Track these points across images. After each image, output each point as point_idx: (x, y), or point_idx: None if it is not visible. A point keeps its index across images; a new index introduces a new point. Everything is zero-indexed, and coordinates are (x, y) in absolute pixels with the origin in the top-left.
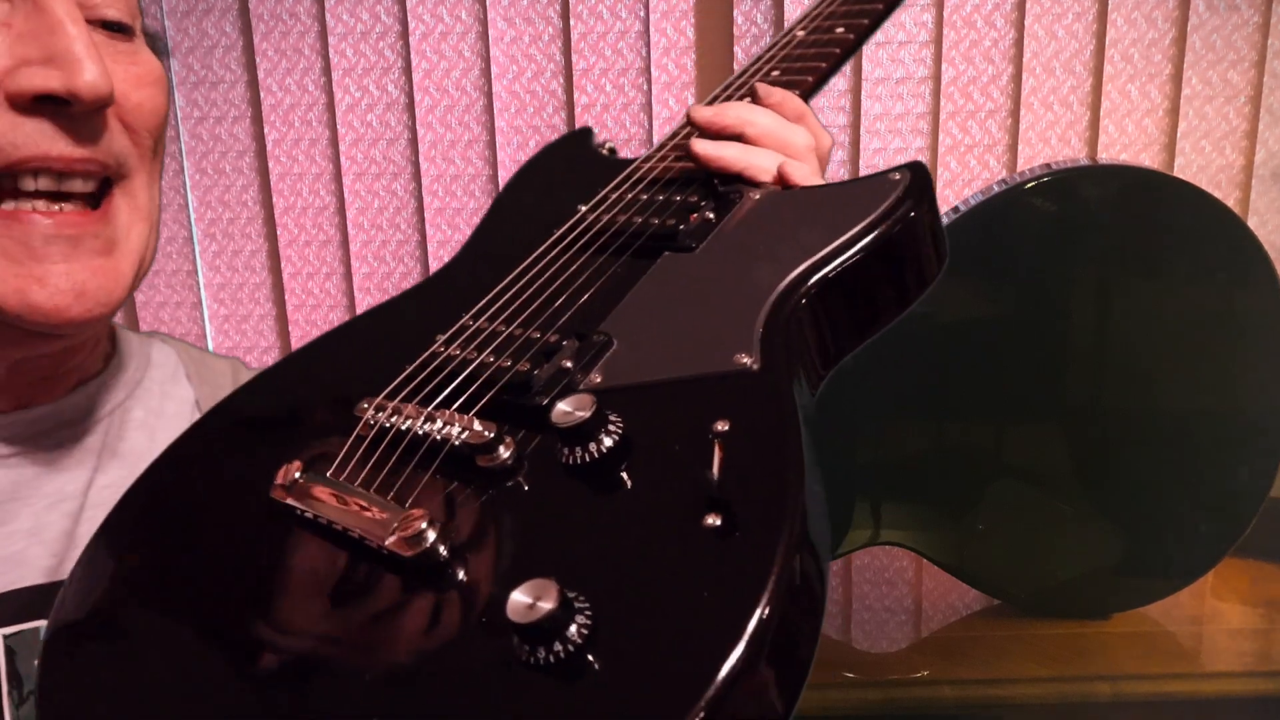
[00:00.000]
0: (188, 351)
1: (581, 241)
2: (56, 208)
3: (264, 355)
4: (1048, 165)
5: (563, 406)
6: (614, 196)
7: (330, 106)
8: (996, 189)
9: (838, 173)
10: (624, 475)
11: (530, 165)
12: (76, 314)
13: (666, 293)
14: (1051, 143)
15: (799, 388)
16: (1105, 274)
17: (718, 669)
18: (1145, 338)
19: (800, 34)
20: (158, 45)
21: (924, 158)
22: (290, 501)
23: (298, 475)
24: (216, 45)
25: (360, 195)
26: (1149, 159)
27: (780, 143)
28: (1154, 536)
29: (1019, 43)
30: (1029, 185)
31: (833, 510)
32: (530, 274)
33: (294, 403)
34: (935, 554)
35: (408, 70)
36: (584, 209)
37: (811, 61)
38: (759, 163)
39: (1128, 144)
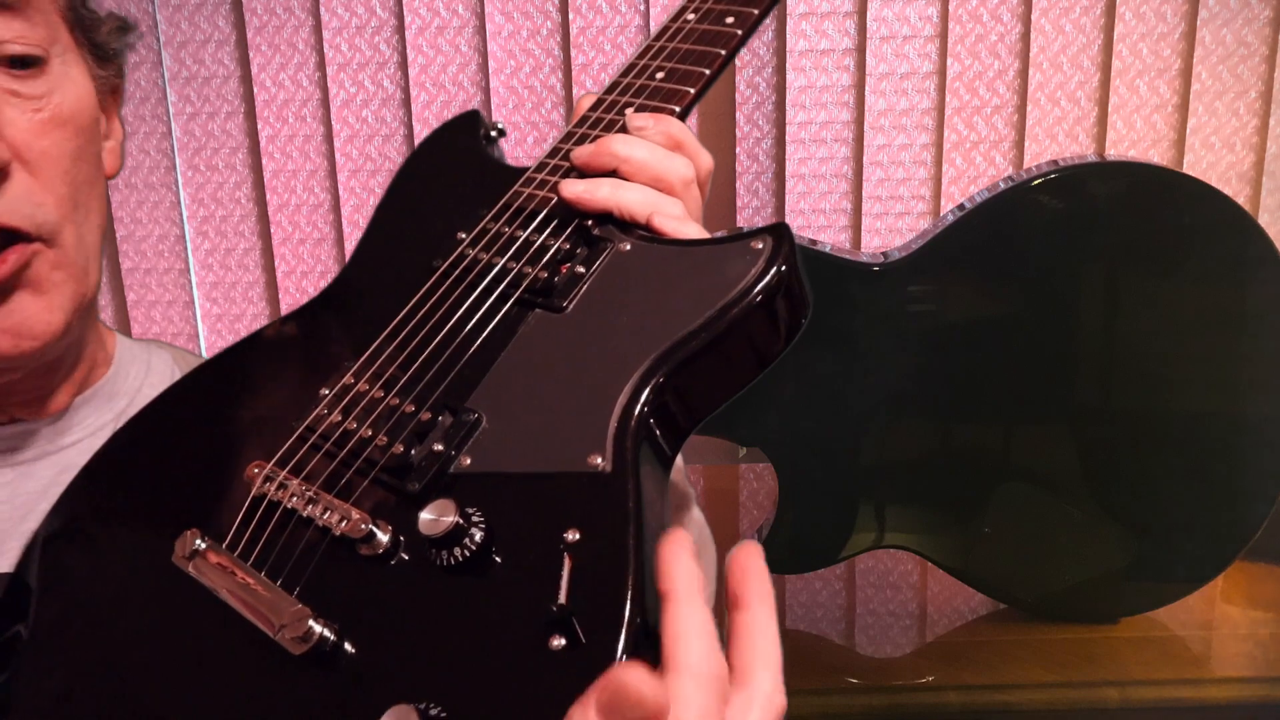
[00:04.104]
0: (185, 358)
1: (461, 288)
2: None
3: None
4: (1055, 162)
5: (426, 515)
6: (493, 230)
7: (325, 102)
8: (1003, 186)
9: (842, 169)
10: (484, 583)
11: (414, 162)
12: (7, 349)
13: (535, 364)
14: (1058, 139)
15: (650, 476)
16: (1113, 273)
17: None
18: (1154, 337)
19: (690, 19)
20: (114, 26)
21: (929, 154)
22: (191, 572)
23: (198, 544)
24: (209, 40)
25: (355, 192)
26: (1158, 156)
27: (656, 177)
28: (1163, 540)
29: (1025, 37)
30: (1036, 182)
31: (836, 513)
32: (409, 326)
33: (192, 451)
34: (940, 557)
35: (404, 65)
36: (464, 239)
37: (694, 65)
38: (630, 202)
39: (1136, 140)
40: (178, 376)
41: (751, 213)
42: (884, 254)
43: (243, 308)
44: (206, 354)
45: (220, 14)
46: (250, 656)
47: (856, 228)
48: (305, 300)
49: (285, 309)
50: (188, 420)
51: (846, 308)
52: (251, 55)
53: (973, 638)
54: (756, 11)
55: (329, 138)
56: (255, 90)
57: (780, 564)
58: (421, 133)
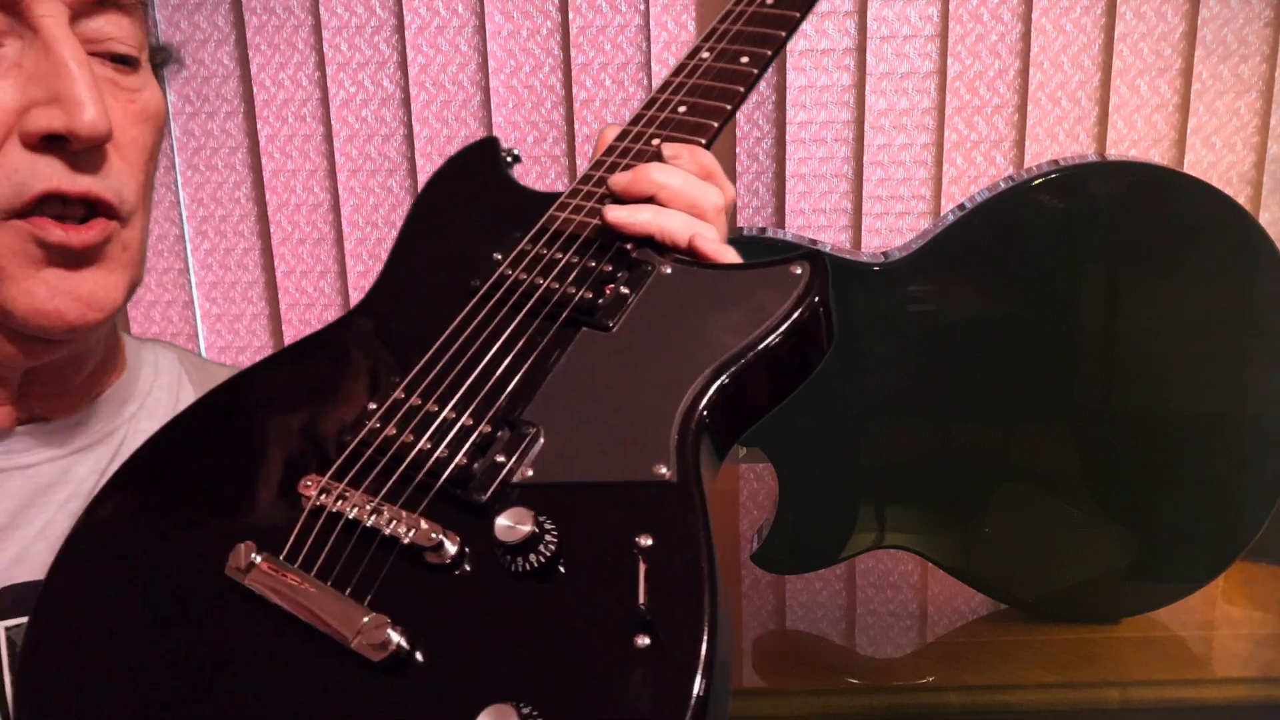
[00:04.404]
0: (188, 358)
1: (505, 307)
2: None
3: (256, 355)
4: (1055, 162)
5: (503, 522)
6: (532, 252)
7: (324, 102)
8: (1003, 186)
9: (841, 169)
10: (560, 587)
11: (438, 183)
12: (74, 319)
13: (587, 380)
14: (1059, 139)
15: (707, 484)
16: (1114, 273)
17: None
18: (1155, 337)
19: (706, 56)
20: (164, 58)
21: (929, 154)
22: (249, 584)
23: (254, 557)
24: (209, 39)
25: (355, 192)
26: (1158, 155)
27: (691, 203)
28: (1164, 540)
29: (1026, 37)
30: (1036, 182)
31: (836, 513)
32: (457, 344)
33: (233, 462)
34: (941, 558)
35: (403, 65)
36: (501, 260)
37: (715, 101)
38: (671, 227)
39: (1137, 140)
40: (184, 378)
41: (752, 212)
42: (884, 254)
43: (242, 307)
44: (206, 354)
45: (220, 13)
46: (318, 667)
47: (857, 227)
48: (304, 299)
49: (285, 309)
50: (225, 434)
51: (846, 308)
52: (251, 54)
53: (973, 638)
54: (769, 52)
55: (329, 137)
56: (255, 90)
57: (780, 564)
58: (421, 132)
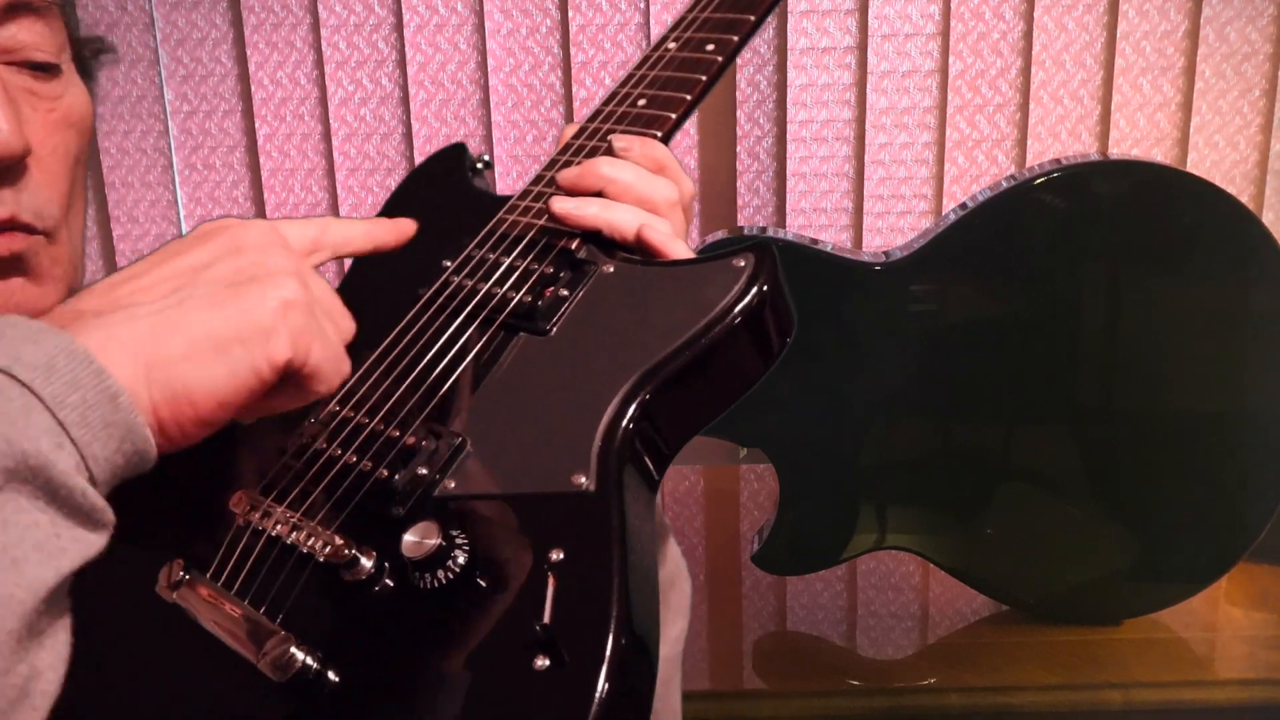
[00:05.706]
0: None
1: (444, 314)
2: None
3: None
4: (1057, 161)
5: (409, 537)
6: (477, 257)
7: (323, 100)
8: (1005, 185)
9: (843, 168)
10: (467, 604)
11: (402, 193)
12: None
13: (519, 387)
14: (1061, 138)
15: (635, 496)
16: (1116, 272)
17: None
18: (1157, 337)
19: (671, 47)
20: (96, 49)
21: (931, 153)
22: (175, 600)
23: (182, 574)
24: (206, 38)
25: (354, 191)
26: (1161, 154)
27: (641, 198)
28: (1166, 541)
29: (1028, 35)
30: (1038, 181)
31: (837, 514)
32: (393, 354)
33: (176, 485)
34: (942, 558)
35: (402, 63)
36: (449, 266)
37: (675, 92)
38: (619, 220)
39: (1139, 139)
40: None
41: (752, 211)
42: (885, 253)
43: None
44: None
45: (218, 11)
46: (237, 686)
47: (858, 227)
48: None
49: None
50: (171, 457)
51: (848, 308)
52: (249, 53)
53: (975, 639)
54: (736, 38)
55: (327, 136)
56: (253, 88)
57: (781, 565)
58: (420, 131)
